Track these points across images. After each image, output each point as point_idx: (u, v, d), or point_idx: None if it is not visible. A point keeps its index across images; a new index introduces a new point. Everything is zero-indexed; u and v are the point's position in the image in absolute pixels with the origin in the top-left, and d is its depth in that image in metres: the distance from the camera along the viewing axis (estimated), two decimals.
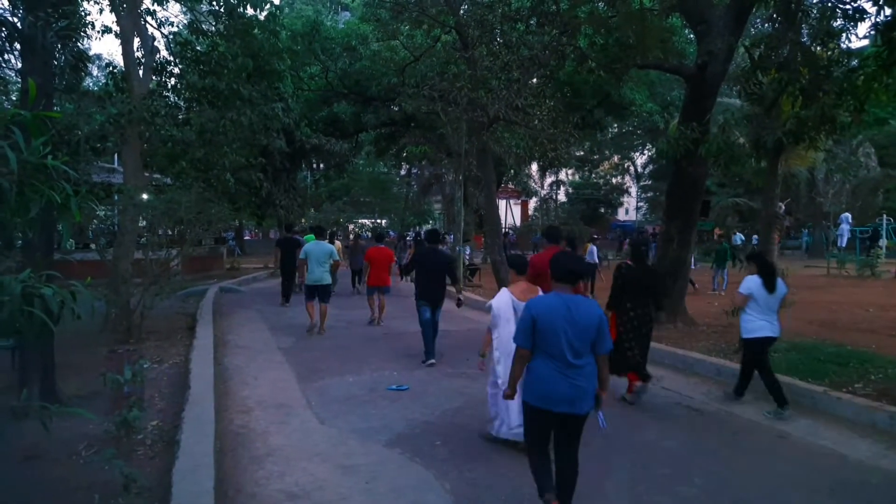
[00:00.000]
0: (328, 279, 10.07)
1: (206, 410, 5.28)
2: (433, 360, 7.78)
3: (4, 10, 7.46)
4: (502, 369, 4.74)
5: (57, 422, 4.59)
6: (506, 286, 5.44)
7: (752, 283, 6.08)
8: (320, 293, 9.99)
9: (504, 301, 4.94)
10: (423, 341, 7.92)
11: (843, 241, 23.76)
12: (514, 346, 3.95)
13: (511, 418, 4.74)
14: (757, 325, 5.98)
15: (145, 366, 6.45)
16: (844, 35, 7.67)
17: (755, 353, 6.05)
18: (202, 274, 18.54)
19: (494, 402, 4.90)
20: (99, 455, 4.38)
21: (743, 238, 24.80)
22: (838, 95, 6.99)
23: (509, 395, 3.88)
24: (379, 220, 43.87)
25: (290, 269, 13.06)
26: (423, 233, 16.69)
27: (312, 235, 11.80)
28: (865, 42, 9.83)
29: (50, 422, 2.93)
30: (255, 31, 12.28)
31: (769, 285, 5.97)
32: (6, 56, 7.63)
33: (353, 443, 4.96)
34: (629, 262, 6.58)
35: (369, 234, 23.89)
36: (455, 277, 8.08)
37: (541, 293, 4.75)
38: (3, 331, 2.49)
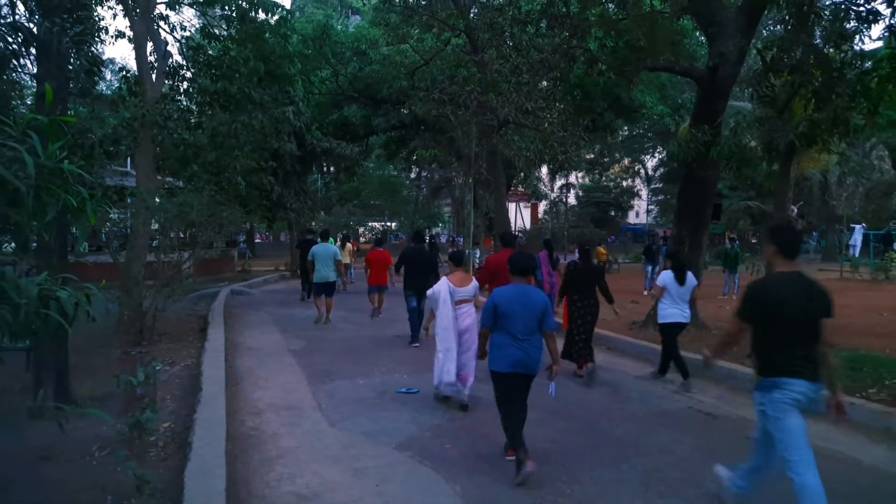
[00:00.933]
0: (333, 277, 11.31)
1: (218, 412, 5.31)
2: (417, 343, 8.95)
3: (21, 15, 7.55)
4: (440, 340, 6.08)
5: (71, 423, 4.62)
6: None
7: (666, 276, 7.19)
8: (327, 289, 11.16)
9: (442, 288, 6.18)
10: (426, 335, 8.30)
11: (856, 252, 23.50)
12: (448, 322, 6.02)
13: (445, 377, 5.97)
14: (669, 312, 7.08)
15: (157, 368, 6.50)
16: (858, 37, 7.62)
17: (666, 335, 7.17)
18: (213, 276, 18.66)
19: (437, 366, 6.08)
20: (112, 456, 4.42)
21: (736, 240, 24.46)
22: (851, 97, 6.95)
23: (482, 355, 4.85)
24: (389, 223, 44.00)
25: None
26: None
27: (331, 239, 13.24)
28: (879, 44, 9.75)
29: (66, 423, 2.95)
30: (267, 35, 12.36)
31: (680, 279, 7.08)
32: (22, 61, 7.72)
33: (363, 445, 4.97)
34: (577, 261, 7.64)
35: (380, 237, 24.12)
36: (437, 273, 8.97)
37: (475, 282, 6.52)
38: (19, 333, 2.52)
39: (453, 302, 6.12)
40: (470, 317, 6.22)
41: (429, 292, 6.39)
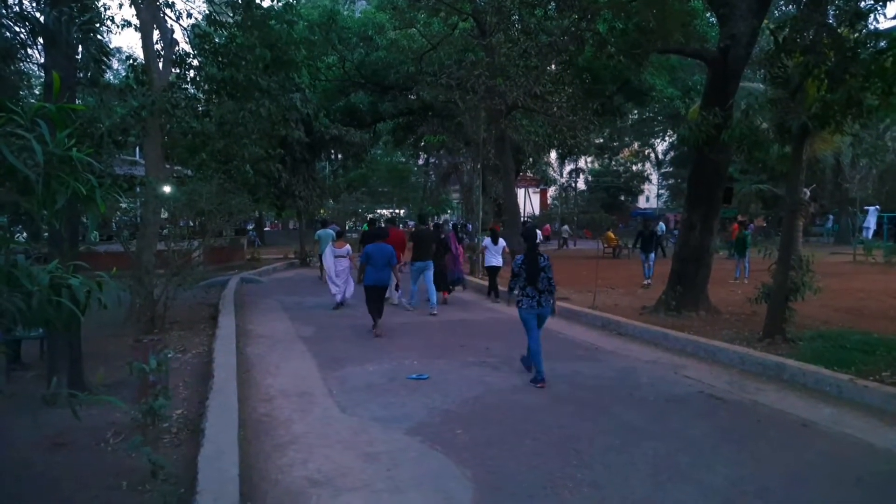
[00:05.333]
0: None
1: (230, 399, 5.35)
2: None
3: (28, 5, 7.56)
4: (333, 277, 11.64)
5: (84, 410, 4.67)
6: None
7: (487, 241, 12.68)
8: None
9: (329, 250, 11.87)
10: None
11: (869, 234, 23.24)
12: (331, 268, 11.66)
13: (332, 291, 11.63)
14: (491, 260, 12.52)
15: (169, 355, 6.55)
16: (872, 16, 7.45)
17: (492, 274, 12.75)
18: (223, 265, 18.75)
19: (333, 291, 11.65)
20: (126, 442, 4.47)
21: (664, 227, 23.75)
22: (865, 78, 6.80)
23: (360, 281, 9.31)
24: (397, 210, 44.00)
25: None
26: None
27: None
28: (895, 22, 9.58)
29: (80, 409, 2.98)
30: (272, 21, 12.30)
31: (494, 241, 12.49)
32: (29, 51, 7.74)
33: (374, 431, 5.00)
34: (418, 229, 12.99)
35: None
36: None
37: (347, 247, 11.96)
38: (32, 321, 2.53)
39: (334, 256, 11.62)
40: (343, 264, 11.66)
41: (326, 252, 12.11)
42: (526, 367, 6.76)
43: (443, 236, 13.09)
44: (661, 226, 21.07)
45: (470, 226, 23.04)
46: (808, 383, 6.20)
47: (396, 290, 10.28)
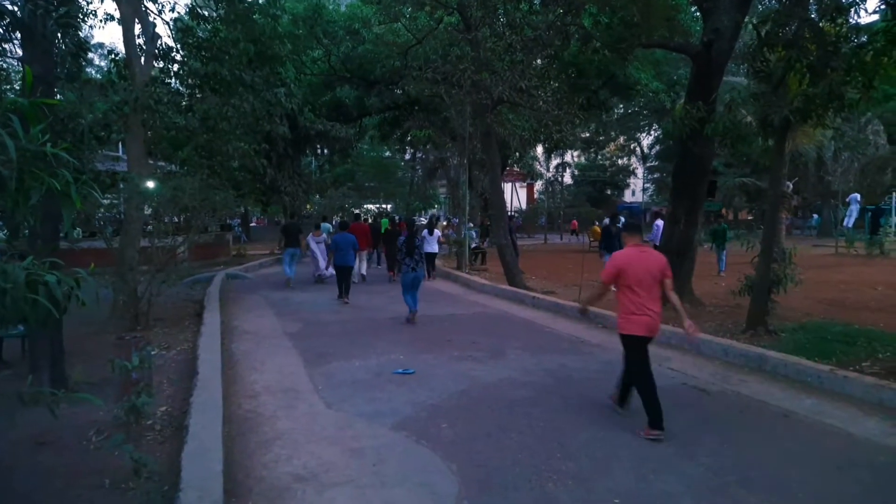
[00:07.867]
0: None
1: (214, 396, 5.31)
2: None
3: None
4: (317, 258, 14.81)
5: (67, 408, 4.64)
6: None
7: (424, 231, 14.70)
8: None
9: (311, 236, 15.13)
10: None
11: (850, 222, 23.48)
12: (315, 248, 15.00)
13: (315, 271, 15.04)
14: (426, 248, 13.36)
15: (153, 352, 6.49)
16: (853, 10, 7.52)
17: (429, 259, 14.12)
18: (208, 261, 18.61)
19: (314, 268, 15.07)
20: (109, 440, 4.42)
21: (623, 221, 23.59)
22: (847, 72, 6.87)
23: (328, 266, 13.38)
24: (384, 205, 43.88)
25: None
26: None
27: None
28: (875, 17, 9.67)
29: (58, 408, 2.95)
30: (256, 15, 12.19)
31: (430, 232, 15.15)
32: (7, 45, 7.61)
33: (359, 426, 4.99)
34: (389, 228, 16.68)
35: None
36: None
37: (324, 235, 15.65)
38: (7, 318, 2.49)
39: (315, 242, 14.78)
40: (321, 247, 14.62)
41: (308, 239, 15.04)
42: (407, 320, 9.46)
43: (396, 227, 16.74)
44: (621, 219, 20.48)
45: (418, 219, 24.06)
46: (790, 374, 6.27)
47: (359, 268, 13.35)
